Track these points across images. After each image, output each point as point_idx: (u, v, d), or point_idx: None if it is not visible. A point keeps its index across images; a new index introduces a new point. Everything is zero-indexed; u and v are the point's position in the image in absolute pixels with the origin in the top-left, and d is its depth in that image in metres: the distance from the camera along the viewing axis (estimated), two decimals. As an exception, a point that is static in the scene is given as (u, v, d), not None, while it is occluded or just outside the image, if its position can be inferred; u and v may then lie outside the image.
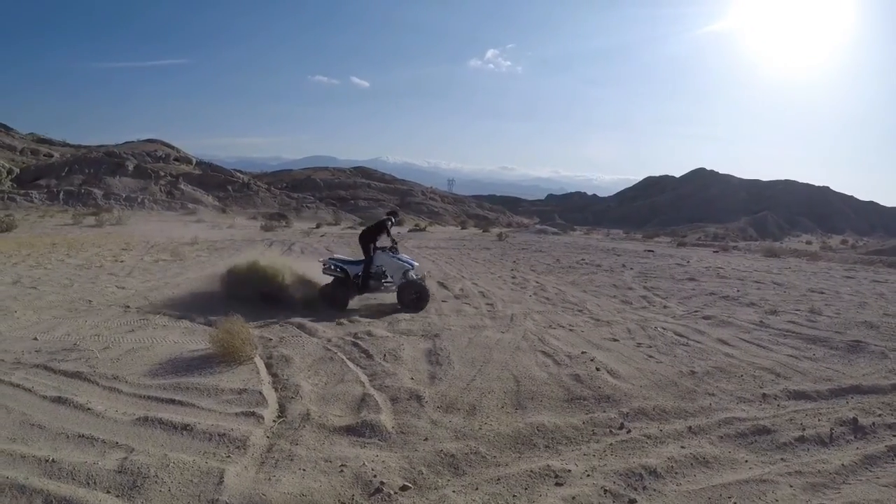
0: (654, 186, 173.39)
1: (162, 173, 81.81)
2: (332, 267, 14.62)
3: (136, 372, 8.62)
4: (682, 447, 6.48)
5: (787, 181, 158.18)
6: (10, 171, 73.69)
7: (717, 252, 37.72)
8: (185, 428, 6.60)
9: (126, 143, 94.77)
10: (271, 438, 6.54)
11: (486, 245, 37.05)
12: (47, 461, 5.70)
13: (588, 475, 5.78)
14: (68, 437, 6.34)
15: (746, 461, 6.26)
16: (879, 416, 7.59)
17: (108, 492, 5.30)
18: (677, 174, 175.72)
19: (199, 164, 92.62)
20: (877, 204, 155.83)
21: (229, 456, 6.03)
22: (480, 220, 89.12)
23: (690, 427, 7.05)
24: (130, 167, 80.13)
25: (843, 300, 16.41)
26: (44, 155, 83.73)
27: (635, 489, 5.57)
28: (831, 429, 7.08)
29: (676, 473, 5.91)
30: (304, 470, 5.77)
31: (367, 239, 15.02)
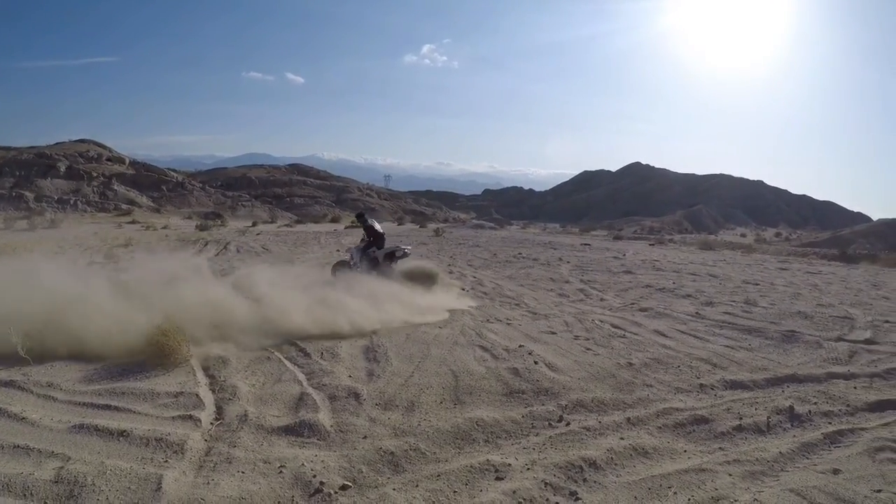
0: (590, 181, 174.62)
1: (94, 174, 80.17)
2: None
3: (70, 378, 8.41)
4: (622, 438, 6.58)
5: (721, 175, 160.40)
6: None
7: (652, 245, 38.23)
8: (122, 434, 6.47)
9: (57, 143, 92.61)
10: (209, 441, 6.45)
11: (423, 240, 37.04)
12: (-20, 473, 5.56)
13: (528, 469, 5.83)
14: (3, 447, 6.17)
15: (685, 451, 6.37)
16: (815, 404, 7.82)
17: (45, 502, 5.19)
18: (613, 168, 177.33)
19: (133, 163, 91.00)
20: (809, 197, 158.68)
21: (167, 461, 5.93)
22: (417, 216, 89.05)
23: (629, 418, 7.16)
24: (62, 168, 78.40)
25: (777, 291, 16.80)
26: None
27: (576, 482, 5.64)
28: (768, 417, 7.26)
29: (616, 465, 5.99)
30: (242, 472, 5.72)
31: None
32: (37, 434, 6.55)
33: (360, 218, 17.79)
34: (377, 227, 17.20)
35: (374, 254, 16.53)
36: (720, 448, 6.46)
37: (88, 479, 5.45)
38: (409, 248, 17.50)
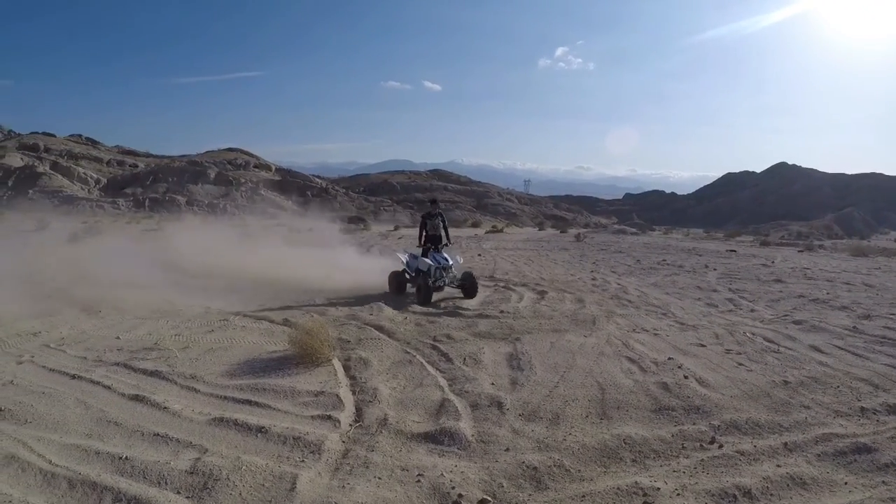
0: (734, 183, 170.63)
1: (243, 180, 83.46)
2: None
3: (213, 372, 8.68)
4: (778, 466, 6.10)
5: (873, 174, 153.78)
6: (97, 181, 76.04)
7: (801, 251, 36.73)
8: (260, 430, 6.57)
9: (207, 152, 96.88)
10: (347, 444, 6.43)
11: (564, 246, 36.68)
12: (121, 458, 5.76)
13: (678, 494, 5.46)
14: (143, 435, 6.38)
15: (846, 483, 5.83)
16: None
17: (179, 492, 5.29)
18: (758, 169, 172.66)
19: (279, 170, 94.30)
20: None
21: (303, 461, 5.94)
22: (558, 221, 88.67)
23: (786, 443, 6.65)
24: (212, 175, 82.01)
25: (942, 303, 15.68)
26: (129, 166, 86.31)
27: (729, 511, 5.25)
28: (937, 448, 6.63)
29: (772, 495, 5.53)
30: (379, 478, 5.64)
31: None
32: (177, 424, 6.75)
33: (433, 203, 18.01)
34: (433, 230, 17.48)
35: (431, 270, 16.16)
36: (884, 482, 5.84)
37: (223, 472, 5.53)
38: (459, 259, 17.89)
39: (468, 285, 16.45)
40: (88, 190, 72.50)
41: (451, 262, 16.49)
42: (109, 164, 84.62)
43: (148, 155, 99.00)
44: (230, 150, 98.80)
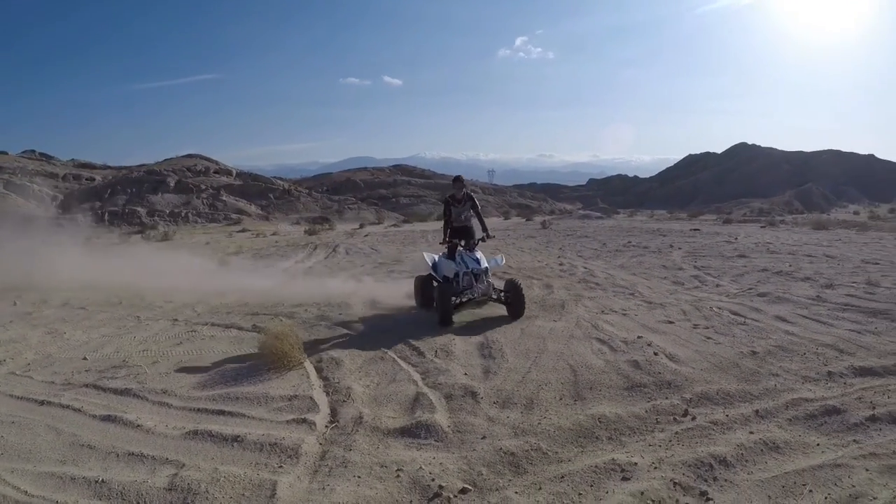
0: (695, 164, 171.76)
1: (203, 186, 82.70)
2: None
3: (185, 385, 8.58)
4: (751, 433, 6.21)
5: (830, 151, 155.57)
6: (54, 198, 75.13)
7: (764, 227, 37.28)
8: (236, 439, 6.51)
9: (166, 160, 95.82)
10: (324, 445, 6.41)
11: (530, 234, 36.90)
12: (97, 482, 5.65)
13: (655, 467, 5.55)
14: (118, 455, 6.27)
15: (818, 445, 5.96)
16: (951, 389, 7.24)
17: (159, 510, 5.20)
18: (718, 150, 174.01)
19: (240, 174, 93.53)
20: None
21: (281, 466, 5.91)
22: (523, 209, 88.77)
23: (757, 411, 6.78)
24: (172, 183, 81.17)
25: (900, 270, 15.94)
26: (86, 179, 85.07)
27: (706, 480, 5.32)
28: (903, 406, 6.75)
29: (747, 461, 5.64)
30: (359, 477, 5.63)
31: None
32: (151, 441, 6.65)
33: (458, 183, 13.72)
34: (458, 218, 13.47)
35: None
36: (854, 441, 6.01)
37: (202, 486, 5.47)
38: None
39: (513, 298, 12.03)
40: (46, 208, 71.53)
41: (484, 266, 12.43)
42: (65, 179, 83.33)
43: (105, 167, 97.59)
44: (189, 156, 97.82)
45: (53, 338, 11.76)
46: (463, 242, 13.04)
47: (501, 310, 12.29)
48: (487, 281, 12.35)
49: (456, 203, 13.49)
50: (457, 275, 12.36)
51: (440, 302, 11.79)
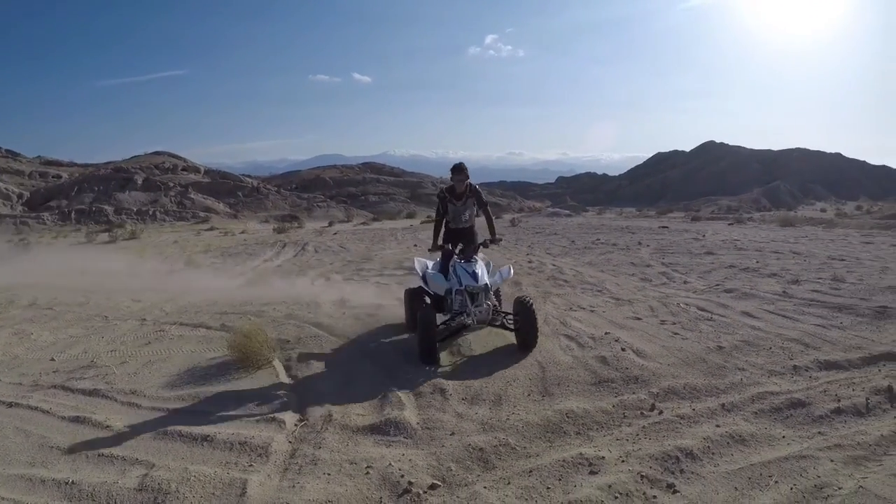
0: (664, 162, 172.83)
1: (171, 184, 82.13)
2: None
3: (154, 385, 8.55)
4: (717, 426, 6.30)
5: (798, 149, 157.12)
6: (20, 196, 74.30)
7: (732, 224, 37.54)
8: (206, 439, 6.51)
9: (133, 157, 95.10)
10: (294, 443, 6.42)
11: (499, 231, 36.84)
12: (67, 484, 5.63)
13: (623, 461, 5.62)
14: (88, 457, 6.25)
15: (784, 437, 6.07)
16: (915, 382, 7.36)
17: (130, 511, 5.18)
18: (687, 149, 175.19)
19: (208, 172, 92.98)
20: (889, 168, 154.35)
21: (251, 465, 5.92)
22: (493, 207, 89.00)
23: (723, 404, 6.87)
24: (139, 181, 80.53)
25: (864, 266, 16.11)
26: (52, 177, 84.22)
27: (672, 473, 5.41)
28: (867, 398, 6.85)
29: (714, 454, 5.73)
30: (328, 474, 5.65)
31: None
32: (121, 442, 6.63)
33: (457, 173, 10.42)
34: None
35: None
36: (819, 433, 6.13)
37: (172, 485, 5.46)
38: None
39: (522, 324, 9.27)
40: (11, 206, 70.66)
41: (483, 282, 9.61)
42: (32, 177, 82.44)
43: (72, 164, 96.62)
44: (157, 153, 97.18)
45: (20, 339, 11.66)
46: (459, 249, 10.47)
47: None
48: (488, 302, 9.54)
49: (455, 199, 10.72)
50: (448, 293, 9.99)
51: (421, 334, 9.01)
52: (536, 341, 9.18)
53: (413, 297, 11.03)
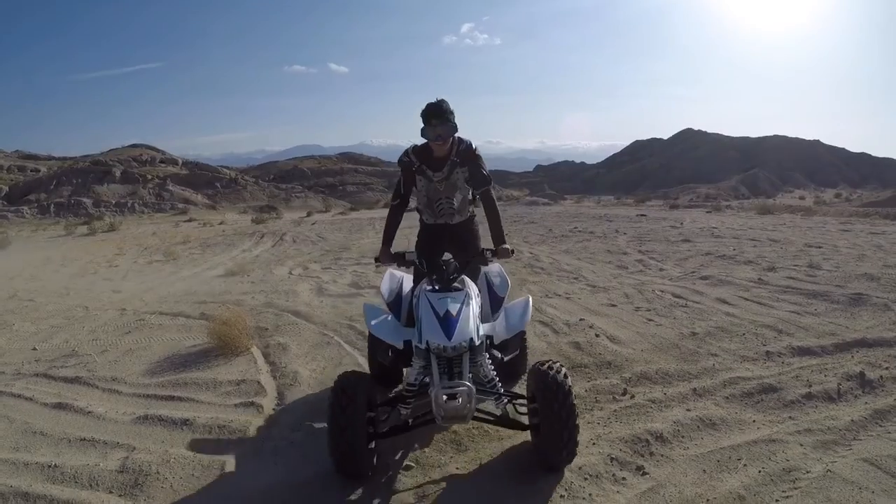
0: (642, 150, 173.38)
1: (149, 176, 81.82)
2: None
3: (134, 372, 8.60)
4: (688, 410, 6.42)
5: (777, 136, 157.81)
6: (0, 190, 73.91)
7: (710, 212, 37.73)
8: (185, 423, 6.59)
9: (111, 150, 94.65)
10: (271, 427, 6.55)
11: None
12: (50, 467, 5.69)
13: (593, 444, 5.72)
14: (70, 441, 6.32)
15: (754, 421, 6.18)
16: (886, 369, 7.47)
17: (111, 492, 5.29)
18: (665, 136, 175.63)
19: (186, 164, 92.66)
20: (868, 155, 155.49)
21: (230, 447, 6.04)
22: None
23: (695, 389, 6.99)
24: (117, 174, 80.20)
25: (841, 254, 16.26)
26: (31, 170, 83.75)
27: (642, 455, 5.52)
28: (838, 384, 6.97)
29: (683, 437, 5.85)
30: (305, 456, 5.77)
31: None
32: (102, 427, 6.69)
33: (440, 116, 5.98)
34: None
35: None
36: (790, 417, 6.25)
37: (153, 467, 5.54)
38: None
39: (543, 419, 4.96)
40: (-10, 199, 70.37)
41: (469, 335, 4.99)
42: (10, 171, 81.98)
43: (50, 158, 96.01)
44: (135, 146, 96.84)
45: (2, 329, 11.64)
46: (435, 269, 5.74)
47: None
48: (483, 375, 5.32)
49: (430, 168, 6.50)
50: (402, 354, 5.78)
51: (332, 434, 4.89)
52: (573, 453, 5.08)
53: (374, 341, 6.87)
